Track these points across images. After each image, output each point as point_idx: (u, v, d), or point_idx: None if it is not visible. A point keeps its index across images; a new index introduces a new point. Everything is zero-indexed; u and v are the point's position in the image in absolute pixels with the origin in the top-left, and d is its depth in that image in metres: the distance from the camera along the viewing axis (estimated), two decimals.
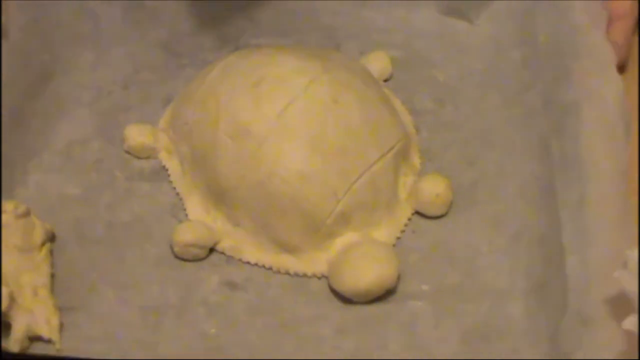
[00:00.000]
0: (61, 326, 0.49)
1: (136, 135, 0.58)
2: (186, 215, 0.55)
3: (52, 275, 0.51)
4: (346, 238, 0.52)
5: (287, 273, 0.53)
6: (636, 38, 0.58)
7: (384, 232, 0.53)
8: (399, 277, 0.51)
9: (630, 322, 0.43)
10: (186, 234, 0.52)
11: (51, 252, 0.52)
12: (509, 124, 0.58)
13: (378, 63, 0.62)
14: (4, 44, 0.57)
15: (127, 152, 0.59)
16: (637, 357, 0.43)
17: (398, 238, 0.54)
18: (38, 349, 0.49)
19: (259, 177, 0.52)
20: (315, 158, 0.52)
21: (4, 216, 0.50)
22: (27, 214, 0.52)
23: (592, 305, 0.45)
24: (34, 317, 0.48)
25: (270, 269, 0.53)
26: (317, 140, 0.52)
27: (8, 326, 0.48)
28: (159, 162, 0.58)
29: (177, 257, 0.53)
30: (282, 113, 0.52)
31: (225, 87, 0.55)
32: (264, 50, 0.58)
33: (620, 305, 0.44)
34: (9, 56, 0.57)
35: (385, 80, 0.62)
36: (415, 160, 0.57)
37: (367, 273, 0.50)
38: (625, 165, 0.50)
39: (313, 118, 0.52)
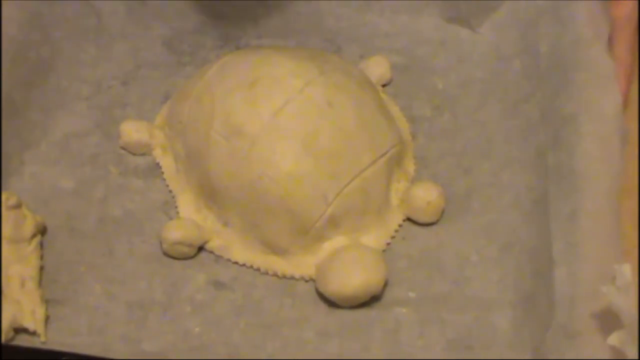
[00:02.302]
0: (47, 318, 0.50)
1: (132, 131, 0.58)
2: (177, 213, 0.55)
3: (41, 268, 0.52)
4: (335, 242, 0.52)
5: (275, 274, 0.52)
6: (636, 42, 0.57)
7: (373, 238, 0.53)
8: (386, 283, 0.51)
9: (615, 338, 0.43)
10: (175, 232, 0.52)
11: (41, 245, 0.53)
12: (506, 134, 0.58)
13: (377, 68, 0.62)
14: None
15: (123, 149, 0.59)
16: None
17: (388, 244, 0.54)
18: (23, 340, 0.49)
19: (250, 177, 0.52)
20: (307, 160, 0.51)
21: None
22: (18, 205, 0.52)
23: (578, 319, 0.45)
24: (20, 308, 0.49)
25: (257, 269, 0.53)
26: (309, 143, 0.52)
27: None
28: (154, 159, 0.58)
29: (165, 254, 0.53)
30: (275, 114, 0.52)
31: (221, 87, 0.55)
32: (261, 51, 0.58)
33: (606, 320, 0.44)
34: (5, 48, 0.57)
35: (384, 86, 0.62)
36: (410, 166, 0.57)
37: (353, 278, 0.50)
38: (618, 180, 0.50)
39: (307, 120, 0.52)
